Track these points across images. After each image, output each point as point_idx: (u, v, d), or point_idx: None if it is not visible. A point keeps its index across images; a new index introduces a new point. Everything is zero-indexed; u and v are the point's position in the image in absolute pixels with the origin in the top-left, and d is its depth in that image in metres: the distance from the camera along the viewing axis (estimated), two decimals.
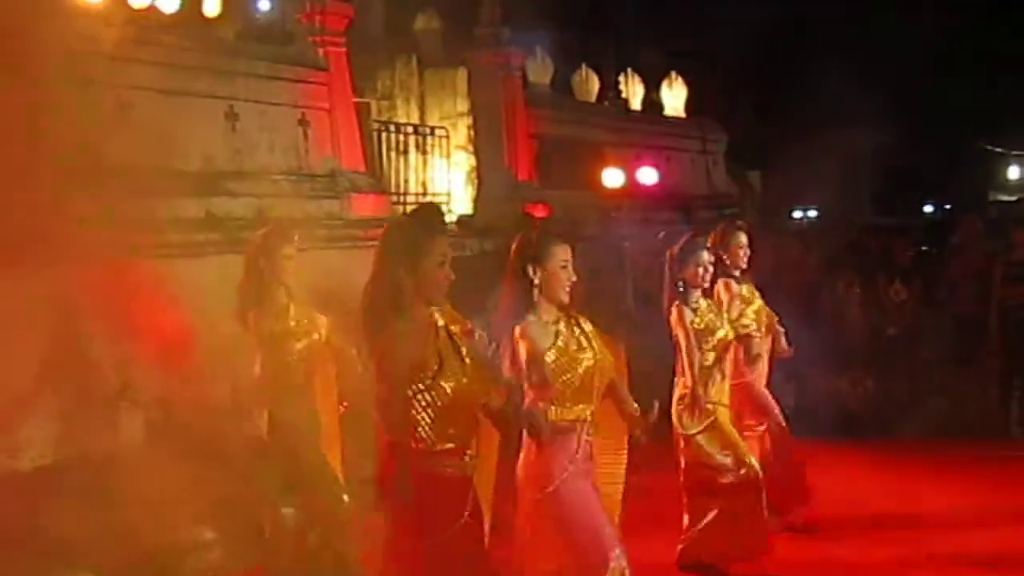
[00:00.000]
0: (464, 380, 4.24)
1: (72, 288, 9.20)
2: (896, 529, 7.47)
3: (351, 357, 6.46)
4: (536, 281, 4.92)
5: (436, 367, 4.18)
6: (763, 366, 7.74)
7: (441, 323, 4.35)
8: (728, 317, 7.17)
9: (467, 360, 4.32)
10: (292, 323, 6.12)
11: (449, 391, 4.17)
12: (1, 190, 7.84)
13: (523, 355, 4.85)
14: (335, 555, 6.10)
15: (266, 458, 6.11)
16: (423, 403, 4.14)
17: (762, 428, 7.50)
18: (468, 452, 4.29)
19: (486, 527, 4.58)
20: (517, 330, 4.90)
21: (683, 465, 6.89)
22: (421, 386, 4.14)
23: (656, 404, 5.12)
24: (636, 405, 5.16)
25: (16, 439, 8.71)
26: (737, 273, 7.51)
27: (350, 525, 6.15)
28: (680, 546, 6.91)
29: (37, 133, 7.97)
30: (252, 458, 6.16)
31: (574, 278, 4.98)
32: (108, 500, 7.63)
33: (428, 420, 4.14)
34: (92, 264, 9.47)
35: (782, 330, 7.77)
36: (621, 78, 19.64)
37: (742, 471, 6.71)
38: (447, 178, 15.08)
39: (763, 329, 7.65)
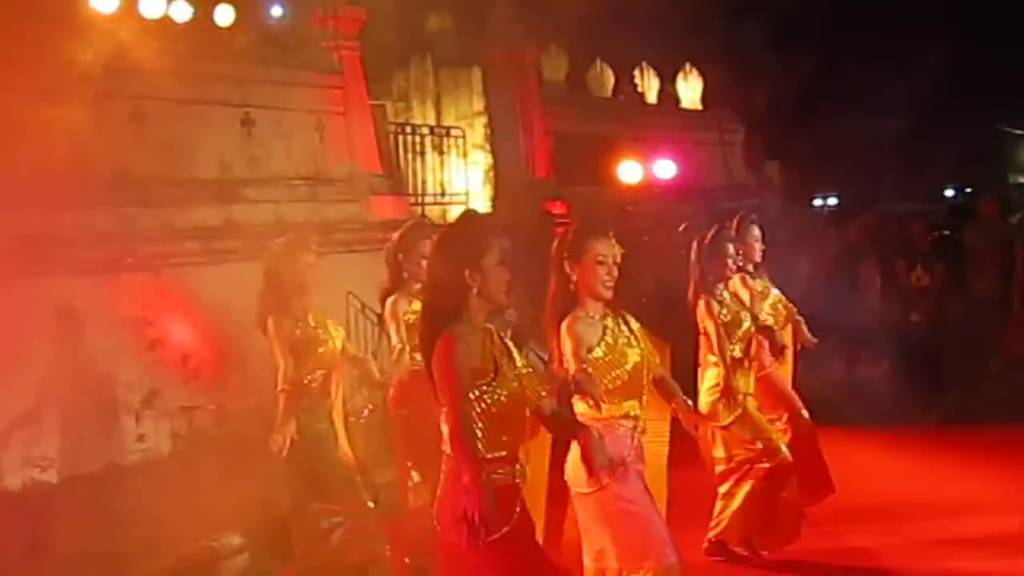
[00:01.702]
0: (518, 386, 4.21)
1: (94, 299, 9.25)
2: (917, 516, 7.36)
3: (369, 364, 6.56)
4: (573, 277, 4.88)
5: (493, 373, 4.15)
6: (788, 356, 7.71)
7: (493, 328, 4.32)
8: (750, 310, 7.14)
9: (520, 366, 4.29)
10: (311, 330, 6.12)
11: (504, 398, 4.14)
12: (19, 202, 7.86)
13: (569, 351, 4.80)
14: (358, 557, 6.09)
15: (292, 464, 6.08)
16: (479, 409, 4.09)
17: (783, 420, 7.44)
18: (518, 461, 4.25)
19: (538, 533, 4.54)
20: (564, 325, 4.85)
21: (716, 455, 6.86)
22: (478, 392, 4.09)
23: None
24: (687, 399, 5.13)
25: (44, 452, 8.76)
26: (751, 268, 7.47)
27: (373, 528, 6.15)
28: (710, 533, 6.88)
29: (51, 144, 8.00)
30: (279, 464, 6.13)
31: (615, 273, 4.89)
32: (137, 510, 7.68)
33: (482, 426, 4.08)
34: (114, 275, 9.52)
35: (801, 320, 7.72)
36: (636, 72, 19.62)
37: (775, 457, 6.68)
38: (465, 178, 15.08)
39: (780, 321, 7.61)
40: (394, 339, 6.47)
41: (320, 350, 6.09)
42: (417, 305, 6.48)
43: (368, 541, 6.11)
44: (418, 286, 6.56)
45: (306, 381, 6.03)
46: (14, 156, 7.41)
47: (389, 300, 6.51)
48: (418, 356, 6.32)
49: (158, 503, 7.82)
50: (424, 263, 6.50)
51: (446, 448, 4.19)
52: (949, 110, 26.26)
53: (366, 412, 7.25)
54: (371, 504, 6.22)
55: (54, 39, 8.44)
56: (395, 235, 6.81)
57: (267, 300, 6.08)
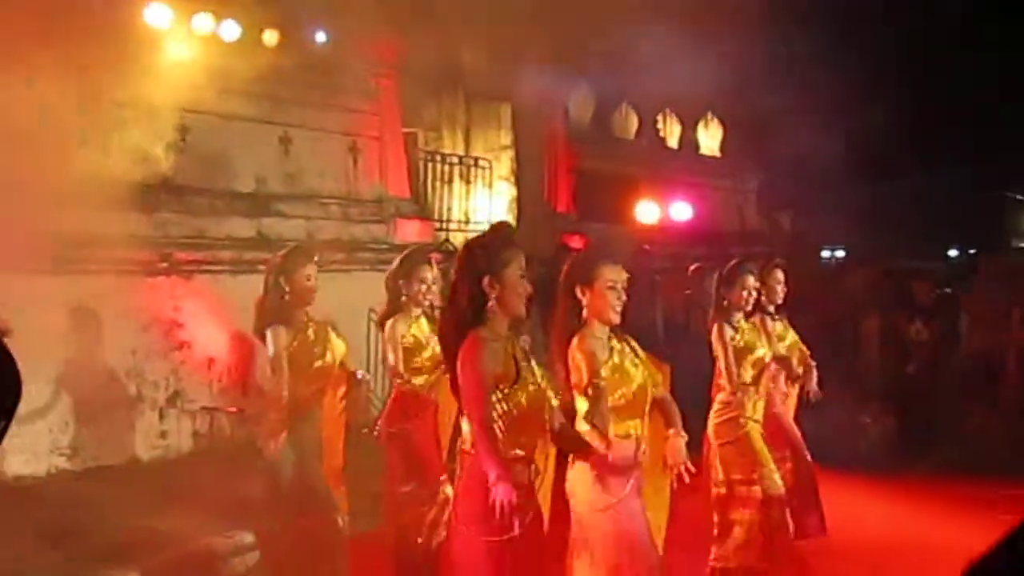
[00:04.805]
0: (535, 391, 4.25)
1: (127, 299, 9.34)
2: (902, 559, 7.41)
3: (361, 383, 6.40)
4: (584, 301, 4.89)
5: (514, 378, 4.20)
6: (792, 399, 7.75)
7: (513, 337, 4.36)
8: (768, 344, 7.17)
9: (537, 372, 4.34)
10: (309, 344, 5.97)
11: (524, 401, 4.18)
12: (62, 202, 7.95)
13: (583, 364, 4.78)
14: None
15: (272, 473, 5.95)
16: (499, 412, 4.13)
17: (786, 460, 7.46)
18: (533, 461, 4.30)
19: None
20: (575, 342, 4.86)
21: (714, 479, 6.88)
22: (499, 395, 4.14)
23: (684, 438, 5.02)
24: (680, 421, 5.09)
25: (70, 442, 8.85)
26: (772, 309, 7.52)
27: (340, 548, 6.02)
28: (711, 557, 6.88)
29: (98, 148, 8.10)
30: (264, 473, 6.08)
31: (624, 298, 4.92)
32: (152, 504, 7.70)
33: (502, 428, 4.13)
34: (147, 277, 9.62)
35: (813, 364, 7.74)
36: (659, 117, 19.66)
37: (770, 487, 6.71)
38: (489, 207, 15.07)
39: (795, 362, 7.63)
40: (390, 359, 6.50)
41: (316, 364, 5.95)
42: (417, 328, 6.56)
43: (331, 560, 5.96)
44: (417, 311, 6.59)
45: (297, 392, 5.87)
46: (62, 158, 7.50)
47: (388, 323, 6.50)
48: (416, 380, 6.48)
49: (175, 497, 7.91)
50: (422, 289, 6.59)
51: (467, 447, 4.24)
52: (956, 174, 26.46)
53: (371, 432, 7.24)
54: (340, 522, 6.06)
55: (110, 50, 8.56)
56: (395, 260, 6.80)
57: (264, 309, 5.96)
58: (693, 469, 4.88)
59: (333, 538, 5.92)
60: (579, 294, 4.92)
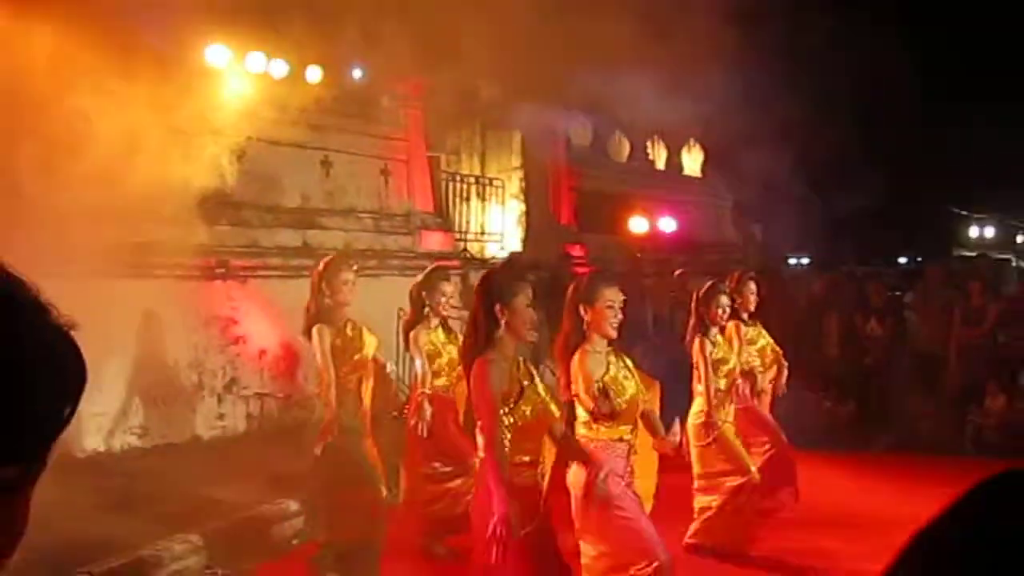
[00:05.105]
0: (540, 405, 4.24)
1: (189, 300, 9.32)
2: (867, 527, 7.33)
3: (387, 373, 6.37)
4: (587, 318, 4.87)
5: (518, 393, 4.19)
6: (767, 396, 7.69)
7: (520, 358, 4.35)
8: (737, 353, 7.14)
9: (540, 388, 4.32)
10: (348, 339, 5.90)
11: (528, 413, 4.18)
12: (133, 215, 7.93)
13: (581, 380, 4.80)
14: (363, 538, 5.87)
15: (324, 452, 5.84)
16: (507, 423, 4.13)
17: (767, 445, 7.39)
18: (540, 465, 4.30)
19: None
20: (576, 360, 4.86)
21: (695, 471, 6.85)
22: (506, 409, 4.14)
23: (677, 428, 4.98)
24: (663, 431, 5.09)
25: (141, 422, 8.82)
26: (746, 316, 7.45)
27: (380, 515, 5.92)
28: (689, 537, 6.87)
29: (165, 168, 8.08)
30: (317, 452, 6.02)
31: (620, 316, 4.90)
32: (210, 476, 7.69)
33: (510, 437, 4.13)
34: (207, 281, 9.60)
35: (786, 364, 7.68)
36: (648, 143, 19.63)
37: (743, 476, 6.68)
38: (501, 220, 15.06)
39: (767, 363, 7.59)
40: (417, 364, 6.59)
41: (355, 357, 5.88)
42: (435, 336, 6.60)
43: (375, 526, 5.88)
44: (436, 320, 6.62)
45: (342, 381, 5.83)
46: (136, 178, 7.48)
47: (412, 332, 6.56)
48: (437, 382, 6.48)
49: (231, 471, 7.89)
50: (442, 300, 6.58)
51: (481, 454, 4.22)
52: (906, 191, 26.56)
53: (395, 414, 7.20)
54: (385, 493, 6.02)
55: (178, 85, 8.54)
56: (420, 274, 6.82)
57: (311, 311, 5.90)
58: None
59: (375, 506, 5.85)
60: (582, 312, 4.89)
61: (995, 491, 0.84)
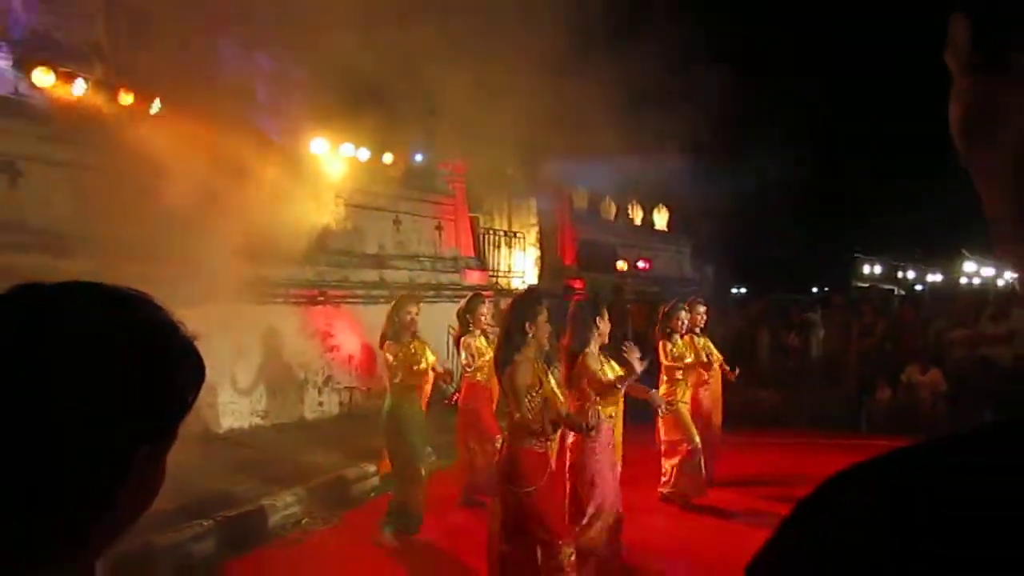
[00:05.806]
0: (551, 393, 4.26)
1: (298, 320, 9.38)
2: (790, 488, 7.26)
3: (442, 378, 6.21)
4: (600, 326, 4.89)
5: (538, 385, 4.22)
6: (712, 390, 7.50)
7: (539, 359, 4.38)
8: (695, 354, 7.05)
9: (552, 382, 4.34)
10: (411, 355, 5.85)
11: (543, 399, 4.21)
12: (257, 257, 7.99)
13: (586, 372, 4.79)
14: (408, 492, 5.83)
15: (396, 433, 5.80)
16: (529, 406, 4.16)
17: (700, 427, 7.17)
18: (551, 438, 4.32)
19: None
20: (581, 357, 4.84)
21: (660, 438, 6.78)
22: (530, 396, 4.17)
23: (644, 362, 4.81)
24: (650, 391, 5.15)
25: (264, 408, 8.87)
26: (697, 330, 7.38)
27: (420, 483, 5.84)
28: (661, 490, 6.79)
29: (281, 224, 8.13)
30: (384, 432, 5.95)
31: (608, 328, 4.95)
32: (311, 447, 7.74)
33: (531, 416, 4.15)
34: (311, 307, 9.67)
35: (722, 359, 7.58)
36: (629, 205, 19.68)
37: (691, 443, 6.61)
38: (523, 262, 15.08)
39: (715, 365, 7.46)
40: (464, 360, 6.59)
41: (417, 367, 5.84)
42: (479, 343, 6.60)
43: (418, 482, 5.84)
44: (477, 331, 6.62)
45: (407, 384, 5.82)
46: (259, 230, 7.54)
47: (463, 340, 6.60)
48: (478, 376, 6.48)
49: (327, 443, 7.90)
50: (481, 318, 6.60)
51: (505, 430, 4.27)
52: (817, 237, 26.95)
53: (450, 400, 7.21)
54: (434, 458, 6.03)
55: (291, 166, 8.68)
56: (464, 300, 6.87)
57: (385, 332, 5.89)
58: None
59: (415, 476, 5.85)
60: (596, 322, 4.92)
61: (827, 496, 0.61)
